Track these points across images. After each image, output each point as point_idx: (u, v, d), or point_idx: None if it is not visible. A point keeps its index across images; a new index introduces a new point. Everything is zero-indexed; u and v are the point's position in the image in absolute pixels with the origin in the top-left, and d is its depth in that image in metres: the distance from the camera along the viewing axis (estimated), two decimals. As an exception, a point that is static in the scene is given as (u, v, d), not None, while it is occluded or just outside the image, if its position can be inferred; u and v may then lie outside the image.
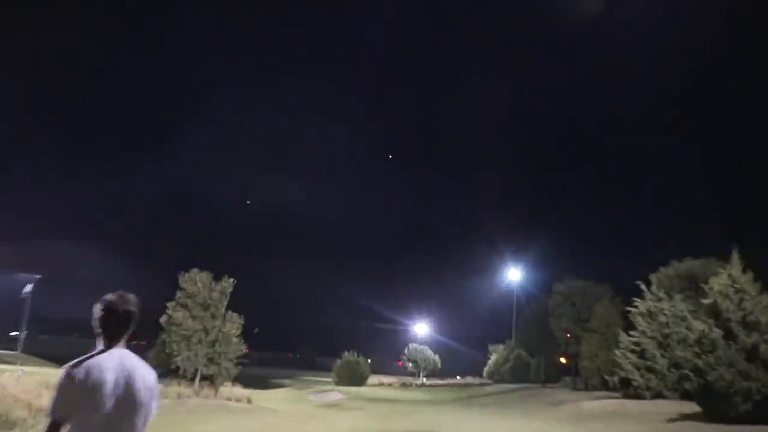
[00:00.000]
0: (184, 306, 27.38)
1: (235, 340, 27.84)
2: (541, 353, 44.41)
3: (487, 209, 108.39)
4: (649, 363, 23.77)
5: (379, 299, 78.15)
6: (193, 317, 27.13)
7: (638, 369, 23.80)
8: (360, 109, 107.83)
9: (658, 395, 23.13)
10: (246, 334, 29.10)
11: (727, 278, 18.54)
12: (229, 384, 27.80)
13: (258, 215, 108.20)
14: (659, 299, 24.96)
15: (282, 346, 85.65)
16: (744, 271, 18.58)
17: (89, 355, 2.92)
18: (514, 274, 51.08)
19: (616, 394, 25.40)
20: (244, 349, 28.39)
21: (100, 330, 3.03)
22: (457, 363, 59.55)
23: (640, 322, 24.84)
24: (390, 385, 45.33)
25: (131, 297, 3.15)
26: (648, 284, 26.11)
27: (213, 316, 27.72)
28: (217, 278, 28.58)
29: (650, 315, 24.76)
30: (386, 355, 69.63)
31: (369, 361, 45.91)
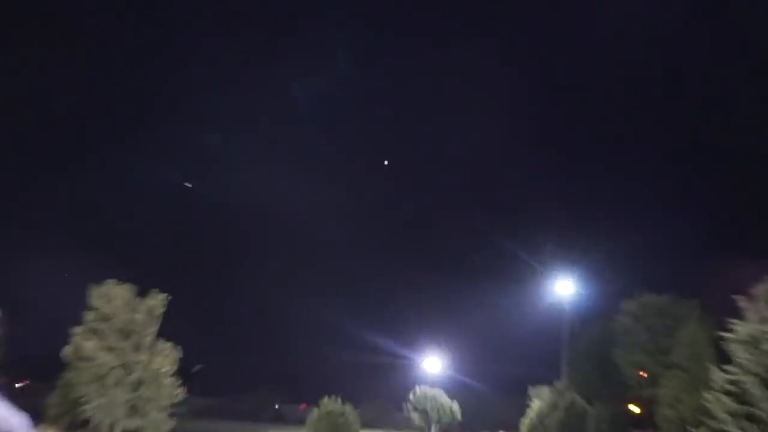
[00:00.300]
0: (97, 333, 27.69)
1: (167, 381, 28.19)
2: (602, 398, 44.77)
3: (523, 197, 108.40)
4: (749, 409, 24.10)
5: (373, 323, 78.43)
6: (109, 349, 27.49)
7: (734, 416, 24.15)
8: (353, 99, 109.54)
9: (760, 453, 23.47)
10: (184, 373, 29.44)
11: None
12: (159, 443, 28.15)
13: (213, 215, 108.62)
14: (766, 320, 25.24)
15: (235, 388, 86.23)
16: None
17: None
18: (564, 288, 51.33)
19: (706, 454, 25.72)
20: (180, 393, 28.70)
21: None
22: (485, 412, 60.05)
23: (740, 353, 25.13)
24: (389, 444, 45.84)
25: None
26: (751, 299, 26.35)
27: (137, 348, 28.09)
28: (142, 293, 28.91)
29: (753, 342, 25.04)
30: (383, 401, 70.16)
31: (359, 410, 46.42)
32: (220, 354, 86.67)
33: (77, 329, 27.63)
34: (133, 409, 27.41)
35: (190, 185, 74.55)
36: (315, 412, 44.04)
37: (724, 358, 26.21)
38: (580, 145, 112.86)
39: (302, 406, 73.08)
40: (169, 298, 29.90)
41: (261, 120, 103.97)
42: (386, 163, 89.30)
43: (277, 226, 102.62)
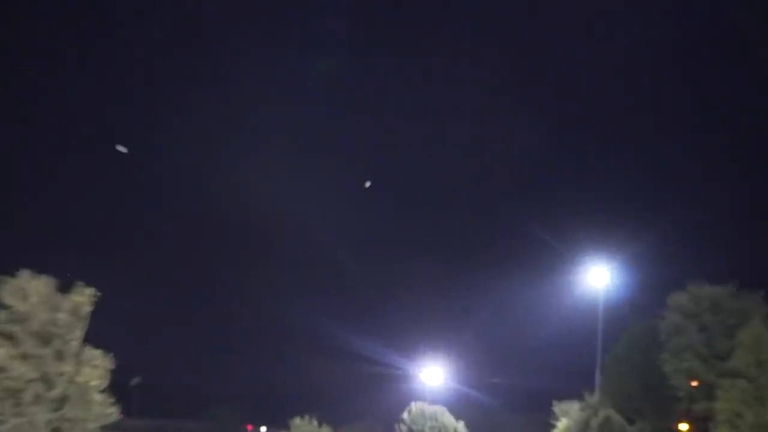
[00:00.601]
0: (10, 337, 27.63)
1: (97, 397, 28.14)
2: (645, 415, 45.05)
3: (542, 174, 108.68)
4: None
5: (360, 326, 78.49)
6: (25, 357, 27.40)
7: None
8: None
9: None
10: (118, 388, 29.42)
11: None
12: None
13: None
14: None
15: (185, 408, 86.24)
16: None
17: None
18: (598, 278, 51.41)
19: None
20: (113, 413, 28.72)
21: None
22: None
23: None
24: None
25: None
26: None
27: (59, 356, 27.99)
28: (65, 288, 28.81)
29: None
30: (371, 421, 70.33)
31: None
32: (166, 364, 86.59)
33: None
34: (56, 433, 27.45)
35: (125, 150, 74.56)
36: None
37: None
38: (613, 121, 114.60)
39: (249, 428, 73.58)
40: (98, 294, 29.80)
41: (247, 112, 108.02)
42: (368, 184, 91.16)
43: (245, 215, 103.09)
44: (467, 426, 52.56)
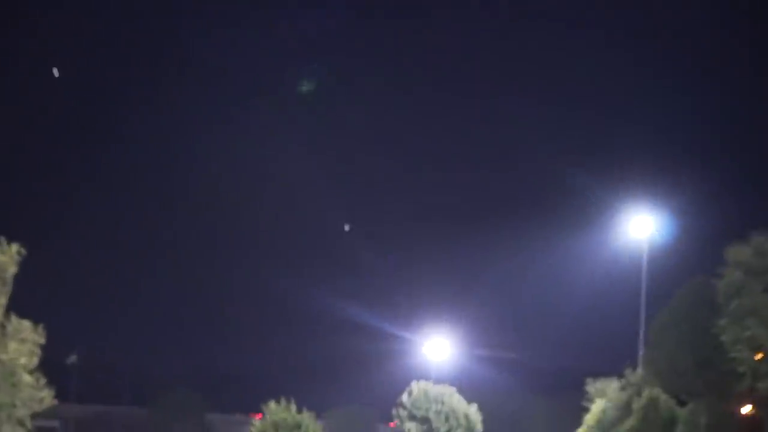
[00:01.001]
0: None
1: (26, 379, 28.15)
2: (699, 395, 45.31)
3: (585, 101, 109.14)
4: None
5: (351, 291, 79.08)
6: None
7: None
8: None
9: None
10: (52, 367, 29.43)
11: None
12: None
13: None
14: None
15: (135, 390, 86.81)
16: None
17: None
18: (641, 227, 51.47)
19: None
20: (47, 398, 28.77)
21: None
22: (518, 420, 60.85)
23: None
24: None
25: None
26: None
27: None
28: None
29: None
30: (362, 405, 70.88)
31: (324, 420, 46.86)
32: (112, 340, 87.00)
33: None
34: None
35: (56, 74, 75.11)
36: (256, 425, 44.39)
37: None
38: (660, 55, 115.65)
39: (258, 416, 74.55)
40: (24, 252, 29.72)
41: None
42: (347, 227, 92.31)
43: (210, 176, 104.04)
44: (481, 410, 52.82)
